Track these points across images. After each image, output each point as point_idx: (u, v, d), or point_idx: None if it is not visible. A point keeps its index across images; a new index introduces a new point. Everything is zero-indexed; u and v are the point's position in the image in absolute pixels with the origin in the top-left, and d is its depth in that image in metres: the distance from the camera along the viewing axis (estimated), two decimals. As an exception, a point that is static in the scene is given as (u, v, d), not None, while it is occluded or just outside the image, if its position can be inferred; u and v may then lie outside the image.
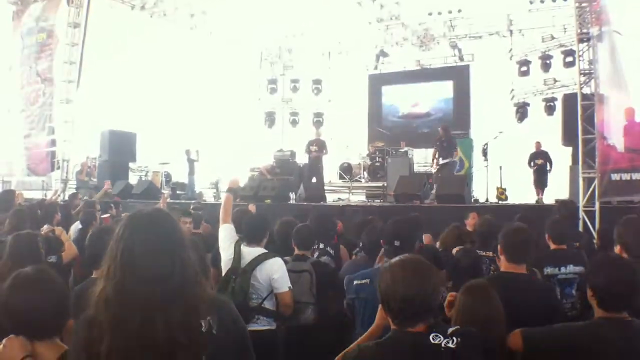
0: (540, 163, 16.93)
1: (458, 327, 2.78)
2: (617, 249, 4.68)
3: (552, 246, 5.66)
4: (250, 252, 5.20)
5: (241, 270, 5.11)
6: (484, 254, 5.79)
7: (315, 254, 6.39)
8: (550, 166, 16.94)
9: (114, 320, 2.31)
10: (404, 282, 2.72)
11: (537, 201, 15.84)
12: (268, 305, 5.15)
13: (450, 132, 16.94)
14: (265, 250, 5.29)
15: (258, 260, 5.12)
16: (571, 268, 5.39)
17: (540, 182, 16.78)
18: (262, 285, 5.10)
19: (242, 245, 5.27)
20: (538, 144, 17.31)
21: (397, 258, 2.91)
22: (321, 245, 6.66)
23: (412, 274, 2.74)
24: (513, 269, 4.22)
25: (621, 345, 3.16)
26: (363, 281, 4.57)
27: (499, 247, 4.37)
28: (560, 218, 6.75)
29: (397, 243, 4.55)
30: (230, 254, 5.25)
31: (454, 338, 2.64)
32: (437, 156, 16.33)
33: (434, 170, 16.70)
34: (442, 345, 2.61)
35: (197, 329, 2.41)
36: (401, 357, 2.66)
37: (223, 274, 5.25)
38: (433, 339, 2.63)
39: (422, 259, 2.90)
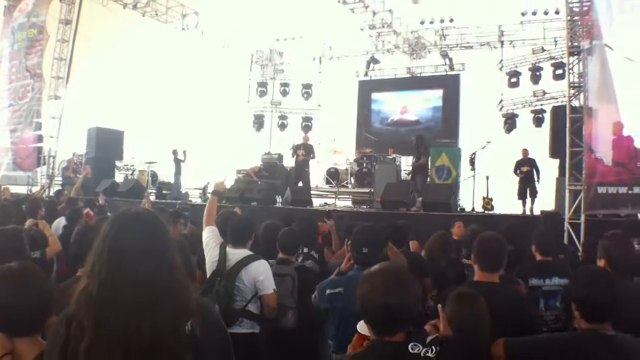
0: (526, 171, 16.41)
1: (436, 335, 2.77)
2: (601, 262, 4.67)
3: (538, 257, 5.67)
4: (235, 254, 5.16)
5: (226, 272, 5.07)
6: (469, 262, 5.78)
7: (300, 259, 6.36)
8: (538, 174, 16.41)
9: (97, 319, 2.27)
10: (383, 291, 2.70)
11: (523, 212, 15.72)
12: (252, 308, 5.12)
13: (425, 136, 17.28)
14: (251, 253, 5.26)
15: (243, 263, 5.08)
16: (556, 280, 5.39)
17: (526, 190, 16.22)
18: (247, 288, 5.06)
19: (227, 247, 5.25)
20: (525, 151, 16.91)
21: (377, 266, 2.89)
22: (305, 250, 6.65)
23: (392, 283, 2.72)
24: (486, 278, 4.23)
25: (603, 358, 3.16)
26: (336, 290, 4.50)
27: (472, 256, 4.40)
28: (546, 229, 6.76)
29: (365, 250, 4.53)
30: (215, 256, 5.22)
31: (433, 347, 2.63)
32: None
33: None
34: (422, 354, 2.61)
35: (183, 331, 2.38)
36: None
37: (207, 275, 5.22)
38: (412, 348, 2.62)
39: (402, 268, 2.91)
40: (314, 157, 18.62)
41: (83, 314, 2.30)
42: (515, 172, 16.64)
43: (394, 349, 2.65)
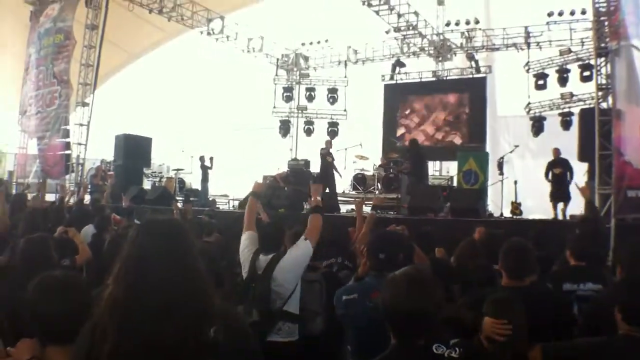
0: (558, 172, 15.66)
1: (459, 339, 2.76)
2: (617, 269, 4.63)
3: (572, 262, 5.59)
4: (266, 259, 5.13)
5: (259, 276, 5.06)
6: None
7: (334, 269, 6.34)
8: (571, 176, 15.54)
9: (120, 323, 2.30)
10: (407, 297, 2.71)
11: (555, 216, 15.31)
12: (291, 308, 5.07)
13: (417, 147, 17.16)
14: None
15: (273, 262, 5.05)
16: (590, 285, 5.32)
17: (559, 194, 15.49)
18: (283, 285, 5.02)
19: (260, 254, 5.22)
20: (556, 151, 16.21)
21: (399, 272, 2.90)
22: (339, 260, 6.62)
23: (414, 288, 2.73)
24: (514, 284, 4.23)
25: None
26: (351, 296, 4.46)
27: (499, 263, 4.40)
28: (581, 234, 6.66)
29: (381, 256, 4.49)
30: (248, 264, 5.21)
31: (457, 348, 2.66)
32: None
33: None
34: (445, 355, 2.64)
35: (205, 337, 2.39)
36: None
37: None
38: (436, 349, 2.65)
39: (424, 273, 2.90)
40: (333, 160, 18.64)
41: (107, 319, 2.33)
42: (546, 174, 16.06)
43: (418, 352, 2.67)
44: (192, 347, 2.33)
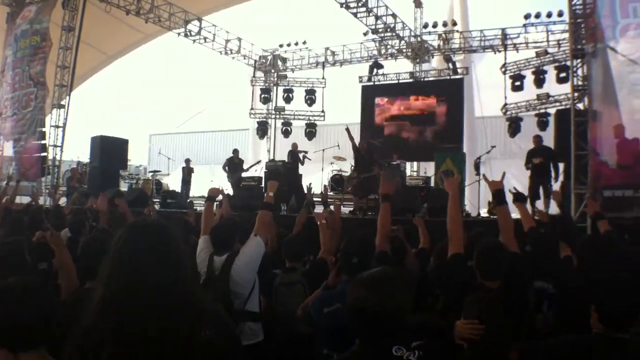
0: (538, 162, 14.40)
1: (422, 342, 2.73)
2: None
3: None
4: (221, 260, 5.07)
5: (216, 277, 5.00)
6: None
7: (307, 266, 6.31)
8: (556, 168, 14.22)
9: (117, 327, 2.29)
10: (370, 298, 2.68)
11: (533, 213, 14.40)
12: (252, 306, 5.02)
13: (373, 147, 16.96)
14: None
15: (228, 263, 4.99)
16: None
17: (539, 188, 14.23)
18: (242, 286, 4.96)
19: (214, 256, 5.17)
20: (536, 139, 15.17)
21: (367, 272, 2.87)
22: (311, 257, 6.59)
23: (379, 290, 2.70)
24: (486, 285, 4.26)
25: None
26: (333, 307, 4.38)
27: (473, 263, 4.41)
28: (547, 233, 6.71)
29: (354, 260, 4.47)
30: (204, 266, 5.16)
31: (417, 351, 2.63)
32: (357, 168, 16.03)
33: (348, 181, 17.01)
34: (404, 357, 2.60)
35: (199, 337, 2.41)
36: None
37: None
38: (395, 351, 2.61)
39: (393, 275, 2.85)
40: (302, 164, 18.66)
41: (101, 324, 2.32)
42: (526, 165, 14.87)
43: (377, 353, 2.64)
44: (186, 348, 2.34)
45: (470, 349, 3.42)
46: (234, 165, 19.26)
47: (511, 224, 4.98)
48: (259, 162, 19.98)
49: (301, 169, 18.69)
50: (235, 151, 19.84)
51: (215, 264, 5.08)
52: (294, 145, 19.22)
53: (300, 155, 18.47)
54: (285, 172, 18.44)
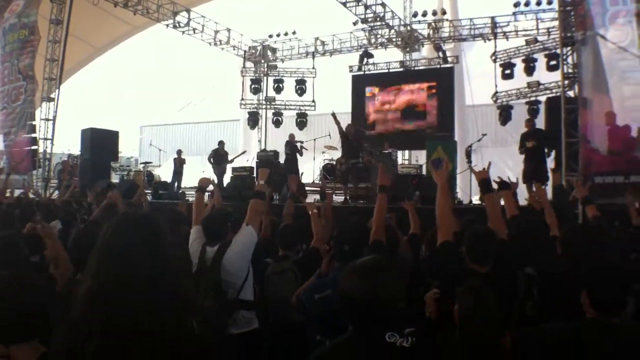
0: (531, 146, 14.06)
1: (415, 328, 2.70)
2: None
3: None
4: (213, 250, 5.09)
5: (207, 267, 5.02)
6: None
7: (300, 255, 6.31)
8: (549, 149, 14.12)
9: (105, 319, 2.29)
10: (361, 286, 2.68)
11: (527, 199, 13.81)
12: (247, 295, 5.03)
13: (361, 133, 16.88)
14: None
15: (220, 252, 5.01)
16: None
17: (533, 172, 13.60)
18: (234, 275, 4.97)
19: (207, 247, 5.19)
20: (529, 122, 14.92)
21: (359, 260, 2.86)
22: (304, 246, 6.60)
23: (371, 277, 2.70)
24: (477, 269, 4.29)
25: (609, 347, 3.17)
26: (325, 294, 4.37)
27: (463, 248, 4.43)
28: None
29: (346, 248, 4.48)
30: (196, 257, 5.18)
31: (409, 338, 2.62)
32: (346, 154, 15.83)
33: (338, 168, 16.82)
34: (397, 344, 2.59)
35: (186, 328, 2.41)
36: (356, 357, 2.64)
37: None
38: (389, 337, 2.60)
39: (384, 263, 2.84)
40: (301, 155, 18.69)
41: (89, 315, 2.32)
42: (520, 149, 14.58)
43: (370, 340, 2.63)
44: (174, 339, 2.34)
45: (461, 335, 3.43)
46: (219, 156, 19.40)
47: (498, 211, 5.02)
48: (244, 152, 20.03)
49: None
50: (221, 143, 19.94)
51: (207, 254, 5.10)
52: (291, 136, 19.20)
53: (298, 145, 18.48)
54: (277, 161, 18.46)
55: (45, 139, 18.53)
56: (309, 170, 20.64)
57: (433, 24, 22.59)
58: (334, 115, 15.77)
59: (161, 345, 2.31)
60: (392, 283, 2.71)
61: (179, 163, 20.15)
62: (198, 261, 5.11)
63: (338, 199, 17.24)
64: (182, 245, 6.12)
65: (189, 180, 19.97)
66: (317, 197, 17.49)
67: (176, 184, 19.74)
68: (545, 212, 6.25)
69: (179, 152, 20.47)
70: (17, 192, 11.97)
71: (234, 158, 19.63)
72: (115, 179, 20.35)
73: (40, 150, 18.42)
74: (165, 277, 2.42)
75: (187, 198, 18.03)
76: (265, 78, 26.79)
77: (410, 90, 23.31)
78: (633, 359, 3.21)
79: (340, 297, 2.79)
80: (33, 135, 18.33)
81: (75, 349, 2.28)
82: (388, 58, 24.35)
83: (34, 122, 18.37)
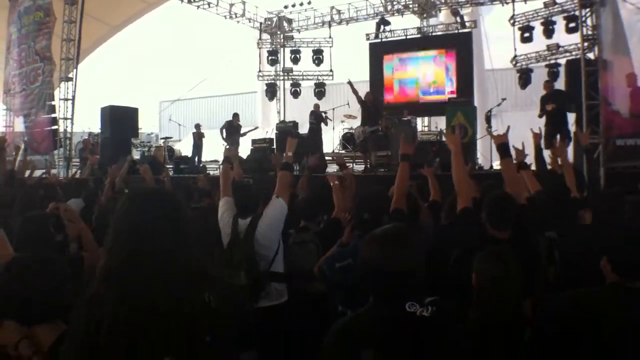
0: (551, 109, 13.80)
1: (436, 297, 2.71)
2: None
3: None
4: (246, 223, 5.15)
5: (240, 240, 5.07)
6: None
7: (322, 225, 6.33)
8: (569, 111, 13.56)
9: (117, 294, 2.31)
10: (383, 255, 2.69)
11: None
12: (277, 267, 5.11)
13: (379, 101, 16.77)
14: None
15: (252, 225, 5.07)
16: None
17: (555, 135, 13.13)
18: (266, 247, 5.05)
19: (239, 219, 5.23)
20: (547, 84, 14.78)
21: (379, 230, 2.85)
22: (325, 217, 6.62)
23: (390, 248, 2.70)
24: (496, 235, 4.30)
25: (634, 311, 3.16)
26: (345, 262, 4.45)
27: (482, 214, 4.43)
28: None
29: (365, 216, 4.49)
30: (229, 228, 5.22)
31: (429, 307, 2.62)
32: (365, 122, 15.99)
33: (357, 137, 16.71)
34: (417, 313, 2.60)
35: (200, 302, 2.41)
36: (377, 327, 2.63)
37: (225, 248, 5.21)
38: (409, 307, 2.61)
39: (404, 232, 2.83)
40: (325, 124, 18.73)
41: (103, 291, 2.34)
42: (540, 112, 14.31)
43: (390, 309, 2.64)
44: (187, 313, 2.34)
45: (481, 302, 3.44)
46: (232, 128, 19.47)
47: (516, 175, 5.00)
48: (256, 127, 20.06)
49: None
50: (235, 115, 19.96)
51: (240, 226, 5.15)
52: (316, 106, 19.25)
53: (323, 115, 18.50)
54: (296, 132, 18.46)
55: (65, 118, 18.60)
56: (329, 140, 20.65)
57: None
58: (350, 83, 15.73)
59: (175, 320, 2.32)
60: (411, 252, 2.72)
61: (198, 137, 20.28)
62: (231, 233, 5.16)
63: (358, 167, 17.24)
64: (201, 218, 6.17)
65: (209, 153, 20.06)
66: (337, 167, 17.51)
67: (197, 158, 19.83)
68: (565, 172, 6.22)
69: (197, 126, 20.56)
70: (37, 173, 12.03)
71: (247, 132, 19.68)
72: (136, 155, 20.44)
73: (61, 130, 18.49)
74: (179, 252, 2.41)
75: (208, 172, 18.14)
76: (282, 49, 26.66)
77: (429, 56, 23.10)
78: None
79: (360, 266, 2.79)
80: (53, 115, 18.38)
81: (90, 327, 2.29)
82: (405, 25, 24.12)
83: (53, 103, 18.42)
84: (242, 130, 19.78)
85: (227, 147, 6.39)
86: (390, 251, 2.68)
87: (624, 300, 3.20)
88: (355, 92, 15.65)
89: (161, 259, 2.36)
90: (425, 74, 23.04)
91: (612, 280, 3.31)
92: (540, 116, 14.31)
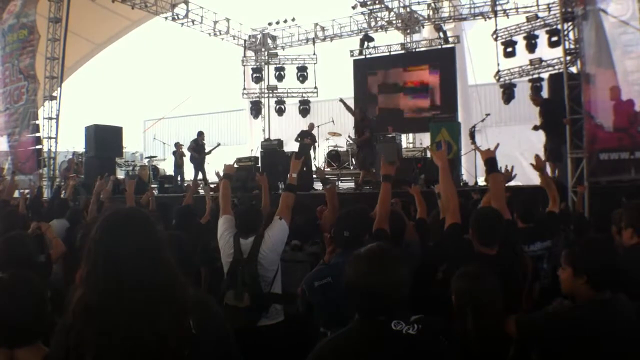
0: (541, 124, 14.03)
1: (421, 315, 2.73)
2: (627, 232, 4.65)
3: (520, 225, 5.82)
4: (248, 243, 5.12)
5: (245, 259, 5.05)
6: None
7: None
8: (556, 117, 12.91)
9: (99, 329, 2.23)
10: (367, 273, 2.68)
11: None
12: (276, 288, 5.13)
13: (365, 114, 17.00)
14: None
15: (256, 247, 5.06)
16: (539, 245, 5.70)
17: (549, 148, 13.45)
18: (267, 266, 5.05)
19: (240, 238, 5.20)
20: (534, 98, 14.89)
21: (364, 248, 2.84)
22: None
23: (376, 265, 2.69)
24: (485, 251, 4.30)
25: (608, 324, 3.22)
26: (324, 281, 4.39)
27: (470, 230, 4.43)
28: (527, 197, 6.80)
29: (346, 234, 4.47)
30: (231, 247, 5.18)
31: (416, 325, 2.62)
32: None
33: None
34: (403, 332, 2.59)
35: (186, 329, 2.36)
36: (363, 345, 2.62)
37: (225, 267, 5.20)
38: (395, 325, 2.60)
39: (389, 250, 2.84)
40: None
41: (82, 325, 2.27)
42: (534, 128, 14.37)
43: (376, 328, 2.63)
44: (173, 343, 2.29)
45: (461, 320, 3.44)
46: (199, 147, 19.61)
47: (502, 191, 5.01)
48: (218, 145, 20.05)
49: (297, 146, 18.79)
50: (200, 133, 20.08)
51: (242, 246, 5.13)
52: (312, 126, 19.38)
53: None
54: (281, 150, 18.48)
55: (49, 137, 18.50)
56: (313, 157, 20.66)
57: (432, 4, 22.48)
58: (342, 101, 15.83)
59: (157, 350, 2.26)
60: (395, 270, 2.71)
61: (179, 156, 20.16)
62: (234, 252, 5.14)
63: (344, 185, 17.26)
64: (195, 239, 6.16)
65: (191, 172, 19.99)
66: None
67: (179, 177, 19.75)
68: (545, 186, 6.34)
69: (177, 145, 20.40)
70: (16, 194, 11.91)
71: (211, 150, 19.70)
72: (120, 174, 20.37)
73: (45, 149, 18.41)
74: (157, 277, 2.33)
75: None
76: (266, 66, 26.68)
77: (412, 72, 23.22)
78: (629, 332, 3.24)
79: (345, 285, 2.77)
80: (37, 134, 18.31)
81: (70, 356, 2.25)
82: (389, 41, 24.24)
83: (37, 122, 18.36)
84: (207, 149, 19.80)
85: (226, 163, 6.27)
86: (372, 270, 2.67)
87: (596, 315, 3.24)
88: (349, 109, 15.77)
89: (141, 289, 2.28)
90: (409, 88, 23.12)
91: (583, 292, 3.36)
92: (536, 129, 14.28)
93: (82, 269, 2.38)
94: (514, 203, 5.98)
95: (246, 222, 5.30)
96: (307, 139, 18.61)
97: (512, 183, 6.92)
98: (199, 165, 19.24)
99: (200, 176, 19.02)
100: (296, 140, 18.89)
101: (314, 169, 18.35)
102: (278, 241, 5.12)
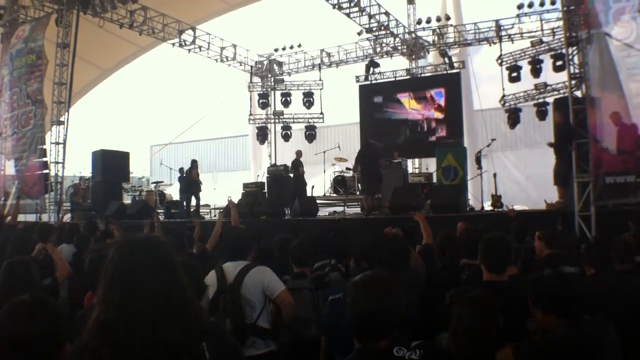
0: (553, 145, 13.68)
1: (421, 341, 2.79)
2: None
3: (547, 251, 5.76)
4: (235, 267, 5.10)
5: (228, 286, 5.00)
6: (470, 262, 5.56)
7: (326, 270, 6.29)
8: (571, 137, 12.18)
9: (114, 348, 2.26)
10: (363, 301, 2.75)
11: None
12: (263, 322, 5.03)
13: (370, 147, 17.16)
14: (249, 262, 5.22)
15: (243, 272, 5.02)
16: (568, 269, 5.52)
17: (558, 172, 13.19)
18: (254, 297, 4.98)
19: (224, 264, 5.18)
20: (557, 115, 13.73)
21: (361, 275, 2.94)
22: (332, 261, 6.56)
23: (371, 291, 2.77)
24: (493, 278, 4.27)
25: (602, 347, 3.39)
26: (337, 296, 4.51)
27: (478, 257, 4.43)
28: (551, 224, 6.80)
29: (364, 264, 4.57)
30: (213, 274, 5.16)
31: (417, 350, 2.67)
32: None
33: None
34: (406, 357, 2.64)
35: (197, 351, 2.39)
36: None
37: (210, 296, 5.11)
38: (397, 352, 2.66)
39: (383, 276, 2.91)
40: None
41: (97, 344, 2.28)
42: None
43: (378, 355, 2.68)
44: None
45: (455, 347, 3.43)
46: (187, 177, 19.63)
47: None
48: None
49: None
50: (193, 162, 19.97)
51: (228, 270, 5.12)
52: (299, 152, 19.44)
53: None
54: (287, 176, 18.54)
55: (57, 162, 18.54)
56: (320, 182, 20.68)
57: (437, 30, 22.60)
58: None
59: None
60: (390, 295, 2.78)
61: (184, 181, 20.15)
62: (217, 280, 5.10)
63: (350, 211, 17.28)
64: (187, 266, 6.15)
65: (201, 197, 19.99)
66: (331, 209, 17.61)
67: (185, 203, 19.72)
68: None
69: (182, 170, 20.34)
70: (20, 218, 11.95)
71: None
72: (127, 199, 20.41)
73: (52, 173, 18.45)
74: (171, 301, 2.37)
75: (202, 216, 18.11)
76: (272, 92, 26.85)
77: (418, 98, 23.25)
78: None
79: (349, 311, 2.83)
80: (44, 159, 18.35)
81: None
82: (394, 66, 24.38)
83: (44, 146, 18.41)
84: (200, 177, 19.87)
85: (230, 197, 6.32)
86: (369, 295, 2.76)
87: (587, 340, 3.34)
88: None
89: (156, 310, 2.31)
90: (415, 114, 23.17)
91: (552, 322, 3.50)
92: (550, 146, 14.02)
93: (98, 289, 2.43)
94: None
95: (238, 245, 5.33)
96: (300, 168, 18.67)
97: (517, 207, 6.97)
98: (185, 191, 19.23)
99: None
100: (290, 172, 18.88)
101: (320, 193, 18.43)
102: (260, 286, 5.05)
